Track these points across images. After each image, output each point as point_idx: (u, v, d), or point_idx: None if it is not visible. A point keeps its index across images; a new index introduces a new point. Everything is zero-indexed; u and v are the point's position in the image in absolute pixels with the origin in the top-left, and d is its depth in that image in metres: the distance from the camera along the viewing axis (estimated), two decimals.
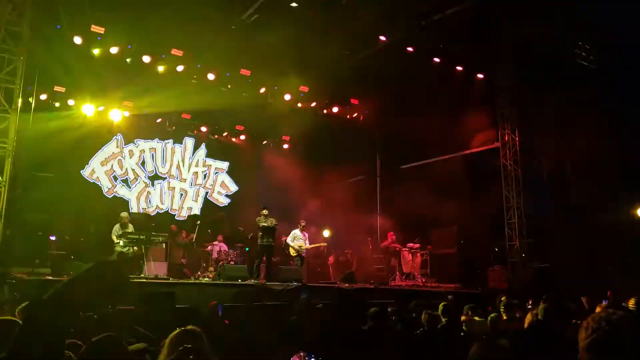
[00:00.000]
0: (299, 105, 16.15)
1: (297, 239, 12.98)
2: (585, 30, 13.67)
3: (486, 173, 15.54)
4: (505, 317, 6.71)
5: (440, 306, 6.81)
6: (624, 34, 12.57)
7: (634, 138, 12.83)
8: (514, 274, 14.09)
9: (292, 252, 12.95)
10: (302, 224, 13.24)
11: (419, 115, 14.91)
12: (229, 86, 14.76)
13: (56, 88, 13.65)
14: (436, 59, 14.42)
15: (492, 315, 7.10)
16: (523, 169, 14.61)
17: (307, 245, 13.13)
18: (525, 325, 5.58)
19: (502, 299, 7.91)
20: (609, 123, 13.28)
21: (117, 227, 12.15)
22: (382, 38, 13.67)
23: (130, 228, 12.12)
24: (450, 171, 15.60)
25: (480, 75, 15.19)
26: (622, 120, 13.12)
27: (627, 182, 13.28)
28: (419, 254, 14.98)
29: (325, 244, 14.92)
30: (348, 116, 17.41)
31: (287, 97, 15.65)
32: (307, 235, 13.23)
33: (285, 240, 13.25)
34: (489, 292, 13.02)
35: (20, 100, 9.82)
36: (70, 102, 14.28)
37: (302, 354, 3.78)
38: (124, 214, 12.57)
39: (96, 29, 12.21)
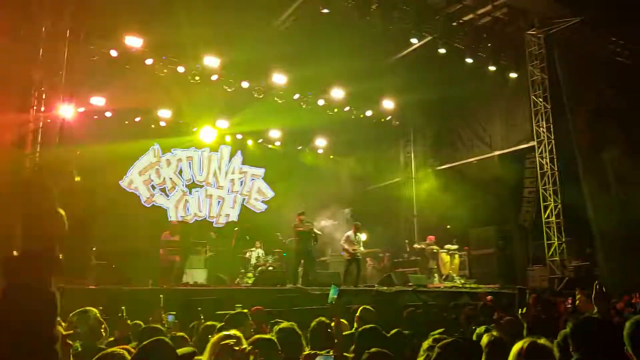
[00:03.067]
0: (334, 109, 16.29)
1: (351, 242, 12.73)
2: (618, 26, 13.39)
3: (523, 172, 15.35)
4: (543, 316, 6.72)
5: (479, 306, 6.86)
6: None
7: None
8: (553, 273, 13.88)
9: (346, 255, 12.76)
10: (358, 225, 13.04)
11: (454, 116, 14.87)
12: (261, 95, 15.03)
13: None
14: (469, 60, 14.35)
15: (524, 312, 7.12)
16: (560, 166, 14.38)
17: (362, 249, 12.93)
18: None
19: (532, 296, 7.88)
20: None
21: (166, 233, 12.69)
22: (414, 40, 13.70)
23: (177, 237, 12.53)
24: (487, 171, 15.48)
25: (513, 74, 15.03)
26: None
27: None
28: (457, 255, 14.90)
29: (380, 249, 14.77)
30: (382, 119, 17.46)
31: (321, 102, 15.84)
32: (363, 237, 13.09)
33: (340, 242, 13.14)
34: (530, 291, 12.87)
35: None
36: (108, 114, 14.72)
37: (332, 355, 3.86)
38: (173, 222, 13.00)
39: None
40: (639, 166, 13.48)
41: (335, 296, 4.72)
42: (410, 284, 12.51)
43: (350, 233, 12.84)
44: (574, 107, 13.94)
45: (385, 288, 11.84)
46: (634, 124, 13.21)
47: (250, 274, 13.47)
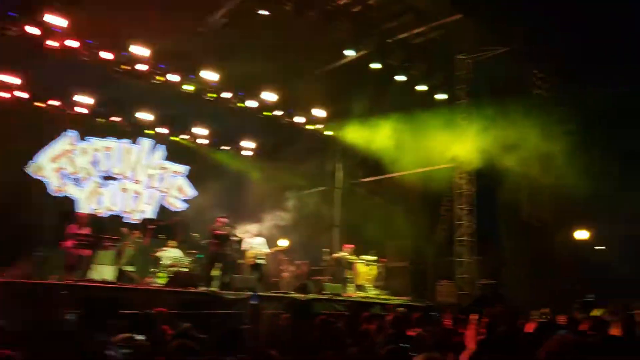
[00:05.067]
0: (263, 113, 16.14)
1: (253, 247, 12.84)
2: (539, 59, 14.22)
3: (441, 190, 15.83)
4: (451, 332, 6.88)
5: (390, 318, 6.94)
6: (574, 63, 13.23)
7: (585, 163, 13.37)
8: (462, 290, 14.39)
9: (250, 261, 12.78)
10: (254, 230, 13.15)
11: (381, 130, 15.16)
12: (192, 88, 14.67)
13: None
14: (401, 77, 14.67)
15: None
16: (476, 188, 14.97)
17: (266, 250, 12.99)
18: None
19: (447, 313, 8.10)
20: (561, 148, 13.81)
21: (73, 226, 11.82)
22: (349, 52, 13.86)
23: (87, 230, 11.79)
24: (409, 186, 15.85)
25: (442, 96, 15.51)
26: (573, 146, 13.67)
27: (572, 205, 13.89)
28: (374, 266, 15.09)
29: (285, 246, 14.75)
30: (311, 127, 17.50)
31: (252, 103, 15.64)
32: (263, 240, 13.08)
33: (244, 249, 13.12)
34: (438, 305, 13.25)
35: None
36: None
37: None
38: (82, 214, 12.24)
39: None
40: (552, 193, 14.31)
41: (256, 302, 4.70)
42: (325, 292, 12.56)
43: (249, 239, 12.88)
44: (494, 133, 14.53)
45: (300, 295, 11.81)
46: (547, 153, 13.97)
47: (162, 274, 12.95)
